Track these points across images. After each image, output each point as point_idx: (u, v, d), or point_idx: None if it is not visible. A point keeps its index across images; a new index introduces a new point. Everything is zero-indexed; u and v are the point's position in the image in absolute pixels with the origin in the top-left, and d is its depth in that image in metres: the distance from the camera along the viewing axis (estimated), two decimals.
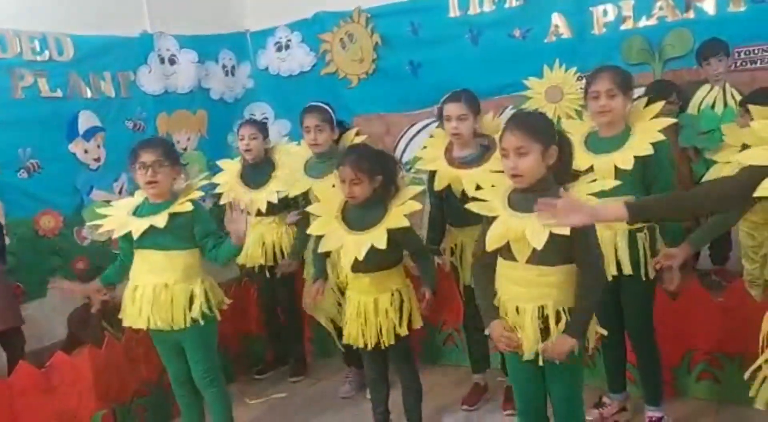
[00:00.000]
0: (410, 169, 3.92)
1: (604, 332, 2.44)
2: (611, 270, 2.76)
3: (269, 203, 3.87)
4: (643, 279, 2.82)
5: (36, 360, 3.50)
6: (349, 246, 2.81)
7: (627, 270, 2.79)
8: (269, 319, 4.24)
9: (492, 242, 2.31)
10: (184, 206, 2.89)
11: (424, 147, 3.44)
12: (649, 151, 2.71)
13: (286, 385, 4.11)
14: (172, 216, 2.87)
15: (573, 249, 2.22)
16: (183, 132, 5.17)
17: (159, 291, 2.90)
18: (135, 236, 2.88)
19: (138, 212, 2.97)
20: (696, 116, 3.87)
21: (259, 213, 3.91)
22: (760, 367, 2.08)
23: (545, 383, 2.40)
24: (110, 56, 4.69)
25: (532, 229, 2.19)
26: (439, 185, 3.23)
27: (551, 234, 2.15)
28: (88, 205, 4.47)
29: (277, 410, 3.81)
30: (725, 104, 3.84)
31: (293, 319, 4.18)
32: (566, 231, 2.12)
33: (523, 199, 2.26)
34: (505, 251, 2.32)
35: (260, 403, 3.87)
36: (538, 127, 2.26)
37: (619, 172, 2.69)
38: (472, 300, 3.45)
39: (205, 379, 3.06)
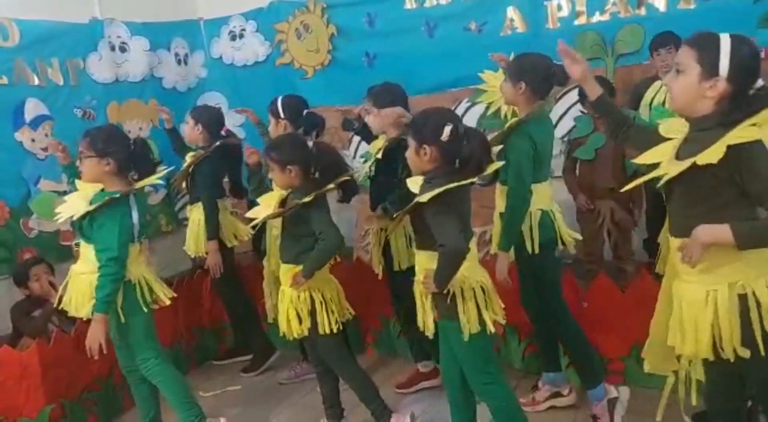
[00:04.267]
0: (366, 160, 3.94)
1: (500, 322, 2.57)
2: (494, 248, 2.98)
3: None
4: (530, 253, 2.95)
5: None
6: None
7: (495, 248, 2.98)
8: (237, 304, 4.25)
9: None
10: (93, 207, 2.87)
11: None
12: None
13: (240, 378, 4.08)
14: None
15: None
16: (134, 121, 5.07)
17: (74, 280, 2.98)
18: (63, 226, 2.92)
19: (93, 199, 2.94)
20: (634, 111, 3.94)
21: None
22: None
23: None
24: (58, 42, 4.56)
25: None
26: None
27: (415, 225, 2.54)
28: (36, 196, 4.36)
29: (231, 402, 3.79)
30: None
31: (232, 308, 4.20)
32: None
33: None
34: None
35: (214, 395, 3.84)
36: (418, 126, 2.51)
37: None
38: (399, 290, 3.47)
39: (141, 368, 3.06)
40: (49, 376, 3.31)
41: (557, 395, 3.28)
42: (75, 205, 2.95)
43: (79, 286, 2.96)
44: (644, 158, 2.15)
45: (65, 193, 4.42)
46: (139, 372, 3.09)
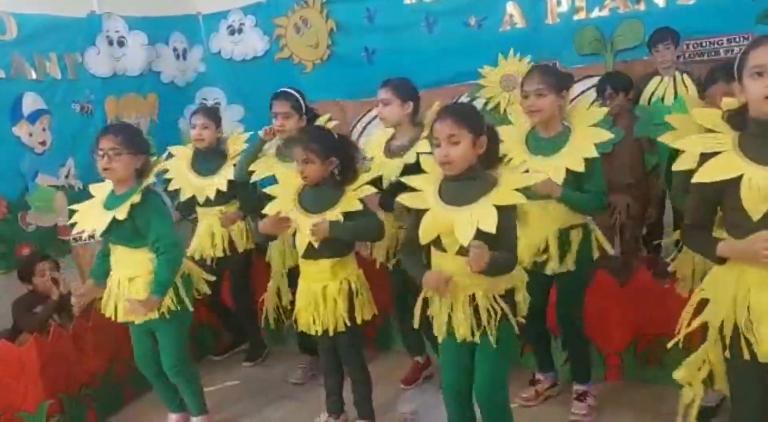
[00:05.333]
0: (364, 157, 3.95)
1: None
2: (552, 266, 2.91)
3: (218, 191, 3.85)
4: (573, 269, 2.93)
5: None
6: (303, 228, 2.84)
7: (555, 266, 2.91)
8: (219, 311, 4.27)
9: (425, 236, 2.39)
10: (137, 197, 2.85)
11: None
12: (593, 153, 2.79)
13: (239, 372, 4.09)
14: (133, 207, 2.84)
15: (496, 242, 2.27)
16: (133, 116, 5.05)
17: (124, 285, 2.93)
18: (97, 234, 2.89)
19: (107, 203, 2.94)
20: (649, 108, 3.94)
21: (207, 202, 3.91)
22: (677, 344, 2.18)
23: (474, 361, 2.48)
24: (56, 36, 4.53)
25: (460, 225, 2.28)
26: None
27: (477, 230, 2.23)
28: (33, 190, 4.34)
29: (231, 397, 3.79)
30: (676, 94, 3.90)
31: (244, 308, 4.16)
32: (492, 229, 2.21)
33: (453, 188, 2.37)
34: (437, 242, 2.40)
35: (213, 391, 3.84)
36: (469, 117, 2.34)
37: (568, 173, 2.80)
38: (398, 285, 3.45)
39: (172, 370, 3.11)
40: (48, 371, 3.30)
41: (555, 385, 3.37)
42: (94, 213, 2.95)
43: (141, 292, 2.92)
44: (705, 174, 2.02)
45: (63, 187, 4.47)
46: (158, 364, 3.12)
